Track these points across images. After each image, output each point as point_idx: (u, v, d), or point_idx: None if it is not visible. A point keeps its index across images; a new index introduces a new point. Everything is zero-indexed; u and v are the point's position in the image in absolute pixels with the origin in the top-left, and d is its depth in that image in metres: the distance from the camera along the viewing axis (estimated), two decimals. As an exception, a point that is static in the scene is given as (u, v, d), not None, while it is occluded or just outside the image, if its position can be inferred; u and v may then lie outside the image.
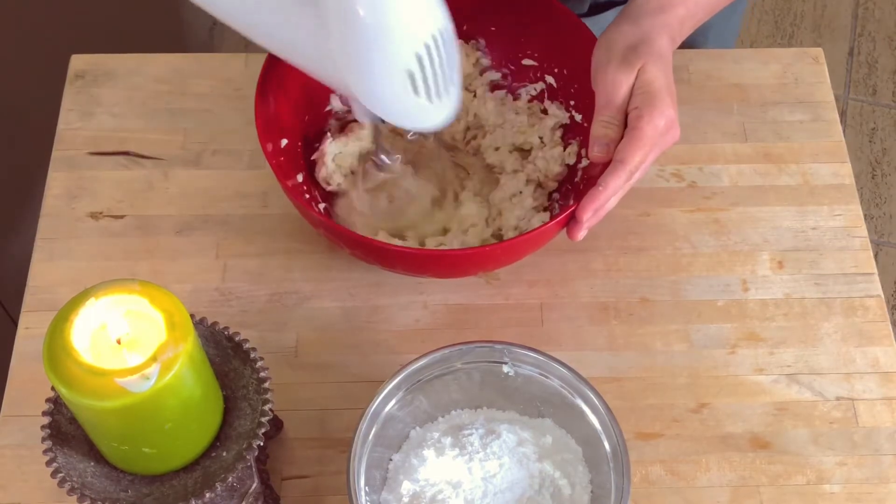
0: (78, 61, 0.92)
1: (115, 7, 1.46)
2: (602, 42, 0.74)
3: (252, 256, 0.83)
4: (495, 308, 0.81)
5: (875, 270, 0.84)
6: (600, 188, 0.70)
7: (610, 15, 0.94)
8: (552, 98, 0.86)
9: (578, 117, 0.83)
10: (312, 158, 0.82)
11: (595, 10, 0.95)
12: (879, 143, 1.90)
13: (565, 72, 0.84)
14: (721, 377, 0.78)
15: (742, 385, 0.78)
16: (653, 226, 0.85)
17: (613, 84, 0.71)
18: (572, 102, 0.84)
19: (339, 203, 0.82)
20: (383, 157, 0.79)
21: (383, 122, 0.69)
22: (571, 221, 0.72)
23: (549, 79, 0.85)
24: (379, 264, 0.77)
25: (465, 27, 0.85)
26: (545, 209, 0.83)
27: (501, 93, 0.88)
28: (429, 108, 0.63)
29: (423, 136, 0.81)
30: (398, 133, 0.84)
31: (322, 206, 0.81)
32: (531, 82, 0.87)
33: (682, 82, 0.92)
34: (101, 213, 0.84)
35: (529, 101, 0.87)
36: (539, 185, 0.83)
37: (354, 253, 0.76)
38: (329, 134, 0.83)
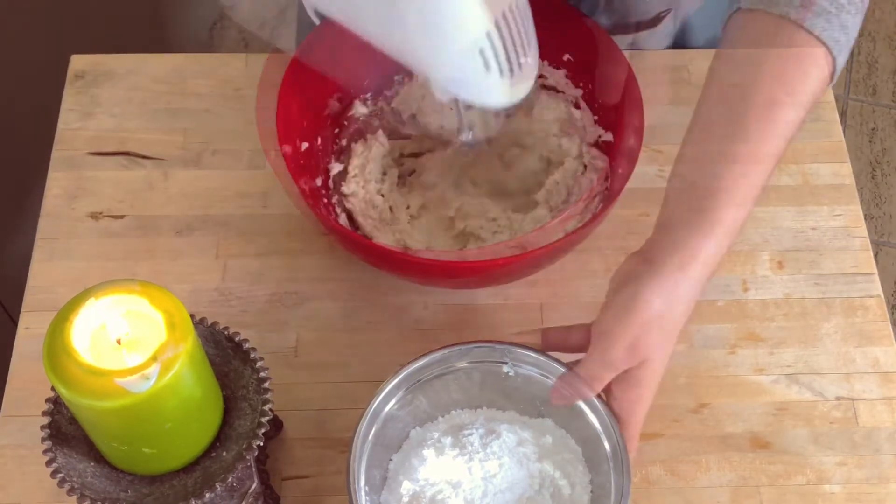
0: (78, 61, 0.92)
1: (115, 7, 1.46)
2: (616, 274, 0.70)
3: (252, 256, 0.83)
4: (495, 308, 0.81)
5: (875, 270, 0.84)
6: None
7: (644, 35, 0.92)
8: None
9: (607, 135, 0.82)
10: (333, 175, 0.83)
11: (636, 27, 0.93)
12: (879, 143, 1.90)
13: (590, 86, 0.83)
14: (721, 377, 0.78)
15: (742, 385, 0.78)
16: (652, 226, 0.85)
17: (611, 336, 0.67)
18: (595, 118, 0.83)
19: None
20: (467, 134, 0.75)
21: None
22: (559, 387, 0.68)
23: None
24: (398, 274, 0.77)
25: None
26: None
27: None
28: (502, 84, 0.60)
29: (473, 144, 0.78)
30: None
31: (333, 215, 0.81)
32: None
33: (682, 82, 0.92)
34: (101, 213, 0.84)
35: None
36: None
37: (368, 260, 0.76)
38: (351, 146, 0.83)
